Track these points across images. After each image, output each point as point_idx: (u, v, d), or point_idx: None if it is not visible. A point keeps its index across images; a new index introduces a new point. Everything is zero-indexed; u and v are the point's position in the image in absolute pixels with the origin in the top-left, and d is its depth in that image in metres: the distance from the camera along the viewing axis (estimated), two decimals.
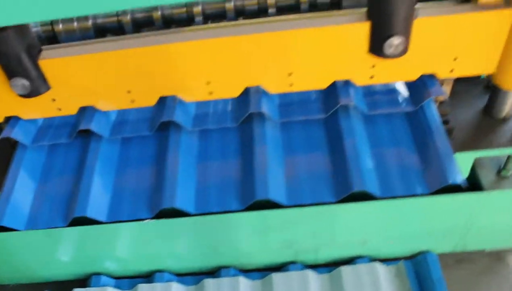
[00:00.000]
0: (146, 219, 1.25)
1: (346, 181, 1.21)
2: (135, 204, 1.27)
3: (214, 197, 1.26)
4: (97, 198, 1.27)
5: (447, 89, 1.44)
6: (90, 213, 1.23)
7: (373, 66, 1.27)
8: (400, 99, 1.34)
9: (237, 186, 1.26)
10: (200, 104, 1.39)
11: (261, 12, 1.48)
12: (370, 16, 1.16)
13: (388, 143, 1.32)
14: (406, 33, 1.17)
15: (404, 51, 1.20)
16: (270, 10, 1.47)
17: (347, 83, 1.31)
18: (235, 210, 1.24)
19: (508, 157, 1.45)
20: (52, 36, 1.46)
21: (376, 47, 1.19)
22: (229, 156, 1.34)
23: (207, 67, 1.26)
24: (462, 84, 1.48)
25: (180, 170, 1.28)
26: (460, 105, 1.46)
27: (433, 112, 1.33)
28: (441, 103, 1.45)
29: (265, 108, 1.29)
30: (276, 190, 1.22)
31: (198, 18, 1.47)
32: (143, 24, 1.47)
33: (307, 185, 1.25)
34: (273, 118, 1.31)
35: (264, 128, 1.33)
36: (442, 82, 1.42)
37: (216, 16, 1.48)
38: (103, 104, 1.34)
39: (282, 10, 1.48)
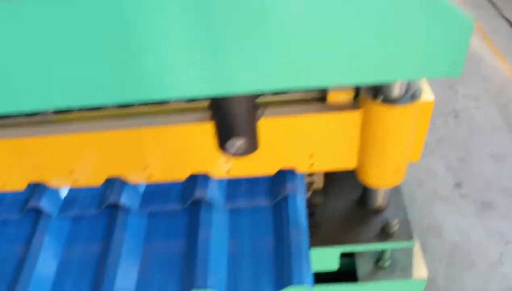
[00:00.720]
0: None
1: (193, 275, 1.20)
2: None
3: (70, 281, 1.27)
4: None
5: (318, 179, 1.43)
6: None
7: (228, 160, 1.28)
8: (259, 193, 1.33)
9: (91, 271, 1.27)
10: (72, 190, 1.41)
11: None
12: (212, 116, 1.18)
13: (246, 237, 1.30)
14: (248, 134, 1.17)
15: (249, 150, 1.20)
16: None
17: (207, 175, 1.32)
18: None
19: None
20: None
21: (221, 145, 1.20)
22: (93, 241, 1.34)
23: (70, 157, 1.29)
24: (342, 172, 1.47)
25: (42, 252, 1.30)
26: (335, 194, 1.45)
27: (296, 205, 1.31)
28: (314, 192, 1.44)
29: (124, 198, 1.30)
30: (125, 279, 1.21)
31: None
32: None
33: (157, 276, 1.24)
34: (133, 208, 1.32)
35: (126, 217, 1.33)
36: (312, 173, 1.42)
37: None
38: None
39: None
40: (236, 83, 0.93)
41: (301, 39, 0.84)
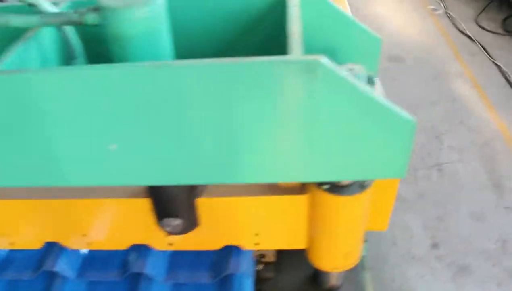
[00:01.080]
0: None
1: None
2: None
3: None
4: None
5: (270, 252, 1.36)
6: None
7: (170, 234, 1.22)
8: (203, 268, 1.26)
9: None
10: (9, 252, 1.35)
11: None
12: (149, 193, 1.12)
13: None
14: (185, 214, 1.12)
15: (187, 229, 1.15)
16: None
17: (148, 247, 1.26)
18: None
19: None
20: None
21: (158, 222, 1.15)
22: None
23: (8, 221, 1.25)
24: None
25: None
26: (288, 269, 1.38)
27: (241, 283, 1.24)
28: (265, 265, 1.37)
29: (61, 264, 1.25)
30: None
31: None
32: None
33: None
34: (70, 275, 1.26)
35: (63, 283, 1.27)
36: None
37: None
38: None
39: None
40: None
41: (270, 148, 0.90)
